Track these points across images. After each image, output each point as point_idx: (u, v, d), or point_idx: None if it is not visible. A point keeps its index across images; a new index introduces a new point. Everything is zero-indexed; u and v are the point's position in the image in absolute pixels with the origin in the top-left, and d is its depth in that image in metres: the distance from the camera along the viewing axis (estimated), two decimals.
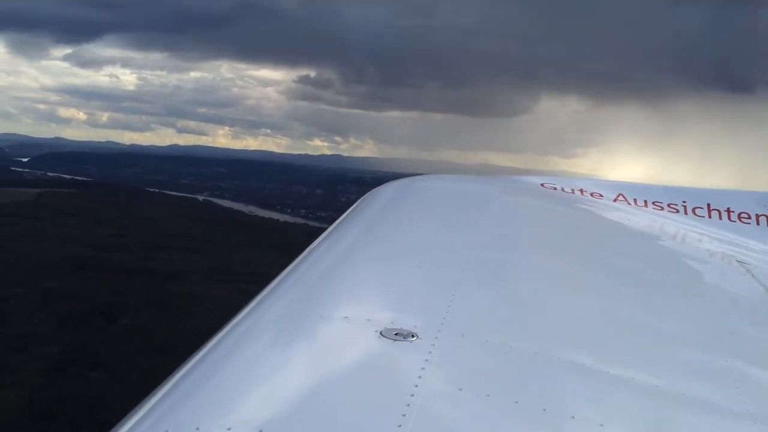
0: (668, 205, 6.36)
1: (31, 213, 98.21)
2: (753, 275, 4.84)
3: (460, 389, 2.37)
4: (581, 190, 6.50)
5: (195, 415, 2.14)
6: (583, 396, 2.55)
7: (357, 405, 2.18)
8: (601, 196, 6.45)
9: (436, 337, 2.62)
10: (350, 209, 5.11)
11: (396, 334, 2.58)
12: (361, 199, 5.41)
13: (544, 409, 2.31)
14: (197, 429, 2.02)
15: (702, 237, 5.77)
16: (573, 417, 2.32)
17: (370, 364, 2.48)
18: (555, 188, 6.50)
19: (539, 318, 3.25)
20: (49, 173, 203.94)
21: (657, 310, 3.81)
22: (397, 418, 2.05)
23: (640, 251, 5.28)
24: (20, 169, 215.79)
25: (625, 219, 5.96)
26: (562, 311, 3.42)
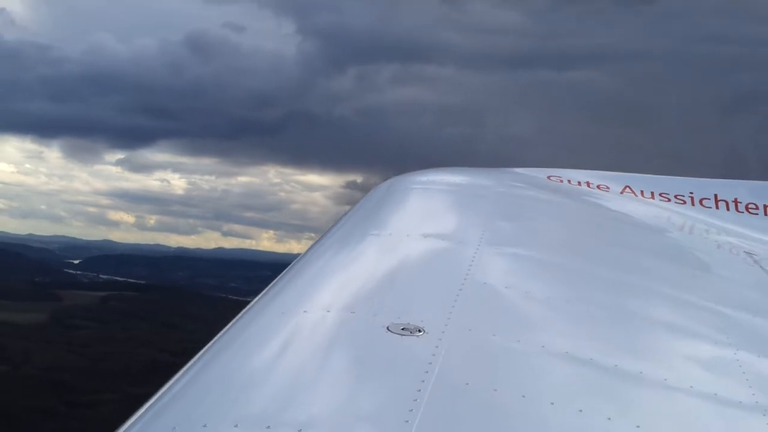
0: (675, 197, 6.26)
1: (100, 316, 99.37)
2: (761, 266, 4.77)
3: (467, 383, 2.33)
4: (588, 183, 6.39)
5: (202, 412, 2.12)
6: (590, 389, 2.50)
7: (365, 400, 2.18)
8: (608, 188, 6.35)
9: (443, 332, 2.60)
10: (357, 203, 4.96)
11: (403, 329, 2.57)
12: (369, 193, 5.23)
13: (552, 403, 2.28)
14: (204, 426, 2.01)
15: (709, 228, 5.68)
16: (581, 410, 2.27)
17: (377, 359, 2.45)
18: (562, 181, 6.38)
19: (546, 312, 3.19)
20: (101, 275, 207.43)
21: (664, 302, 3.72)
22: (405, 413, 2.04)
23: (647, 243, 5.18)
24: (73, 271, 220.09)
25: (632, 211, 5.86)
26: (568, 304, 3.35)
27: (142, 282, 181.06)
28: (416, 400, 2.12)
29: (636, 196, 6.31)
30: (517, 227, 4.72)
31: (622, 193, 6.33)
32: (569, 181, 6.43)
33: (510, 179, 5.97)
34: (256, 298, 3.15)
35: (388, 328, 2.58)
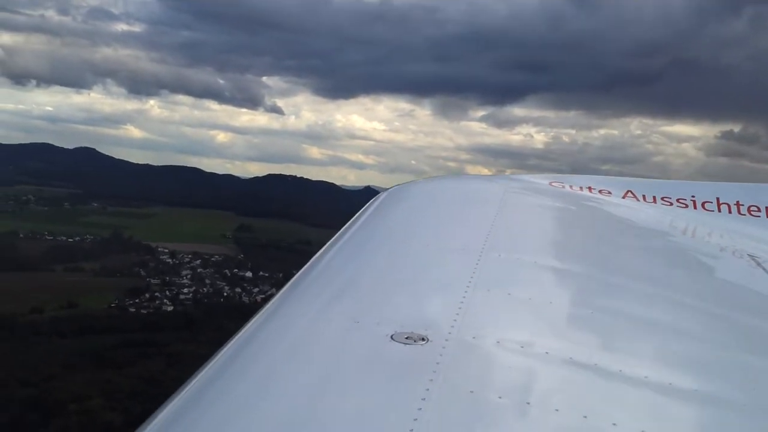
0: (677, 200, 6.30)
1: None
2: (764, 268, 4.76)
3: (472, 392, 2.32)
4: (589, 188, 6.43)
5: (206, 425, 2.15)
6: (595, 395, 2.47)
7: (368, 409, 2.18)
8: (610, 193, 6.38)
9: (447, 340, 2.59)
10: (359, 212, 4.95)
11: (407, 337, 2.56)
12: (371, 201, 5.25)
13: (557, 410, 2.26)
14: None
15: (712, 231, 5.68)
16: (585, 417, 2.25)
17: (381, 368, 2.45)
18: (564, 186, 6.40)
19: (550, 318, 3.14)
20: None
21: (668, 306, 3.70)
22: (409, 422, 2.05)
23: (650, 247, 5.18)
24: None
25: (635, 215, 5.90)
26: (573, 310, 3.34)
27: None
28: (420, 408, 2.12)
29: (638, 200, 6.34)
30: (520, 234, 4.63)
31: (623, 197, 6.34)
32: (571, 186, 6.43)
33: (513, 186, 5.96)
34: (262, 309, 3.11)
35: (391, 337, 2.57)
